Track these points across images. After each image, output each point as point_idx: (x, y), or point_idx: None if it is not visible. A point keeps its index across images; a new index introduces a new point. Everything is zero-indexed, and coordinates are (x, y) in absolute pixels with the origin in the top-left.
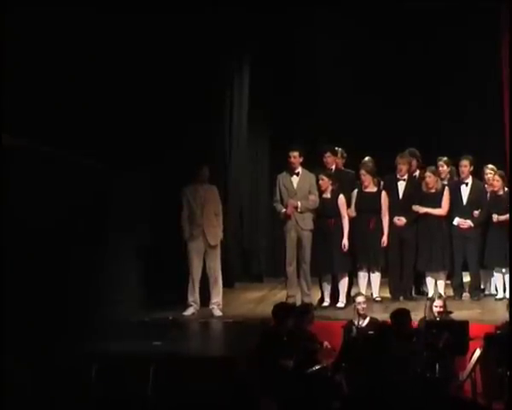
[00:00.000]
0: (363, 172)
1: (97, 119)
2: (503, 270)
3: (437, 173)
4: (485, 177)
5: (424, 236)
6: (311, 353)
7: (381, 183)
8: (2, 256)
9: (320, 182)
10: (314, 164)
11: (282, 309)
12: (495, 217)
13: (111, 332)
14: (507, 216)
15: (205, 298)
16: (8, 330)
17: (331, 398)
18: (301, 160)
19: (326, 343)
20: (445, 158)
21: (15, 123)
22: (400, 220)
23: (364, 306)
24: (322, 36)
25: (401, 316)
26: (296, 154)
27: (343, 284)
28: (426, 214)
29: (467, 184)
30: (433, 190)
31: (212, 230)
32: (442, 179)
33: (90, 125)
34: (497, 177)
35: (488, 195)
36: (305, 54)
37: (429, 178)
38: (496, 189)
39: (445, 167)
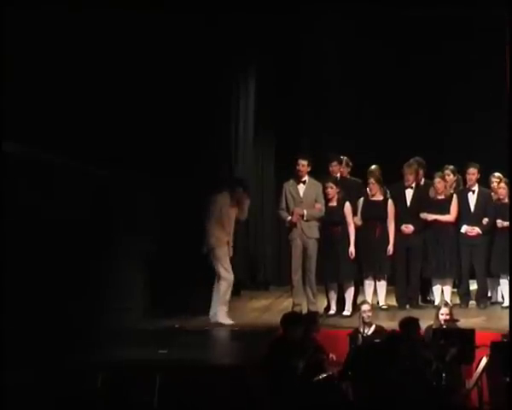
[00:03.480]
0: (372, 180)
1: (98, 124)
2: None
3: (444, 181)
4: (492, 185)
5: (431, 243)
6: (318, 361)
7: (387, 191)
8: (6, 263)
9: (328, 190)
10: (319, 172)
11: (290, 318)
12: (499, 223)
13: (117, 340)
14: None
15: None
16: (13, 338)
17: (337, 406)
18: (309, 169)
19: (331, 356)
20: (452, 166)
21: (16, 130)
22: (408, 228)
23: (370, 314)
24: (329, 44)
25: (410, 324)
26: (305, 162)
27: (349, 292)
28: (434, 222)
29: (473, 192)
30: (441, 196)
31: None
32: (450, 188)
33: (90, 130)
34: (502, 184)
35: (494, 202)
36: (311, 63)
37: (439, 183)
38: (501, 196)
39: (452, 176)
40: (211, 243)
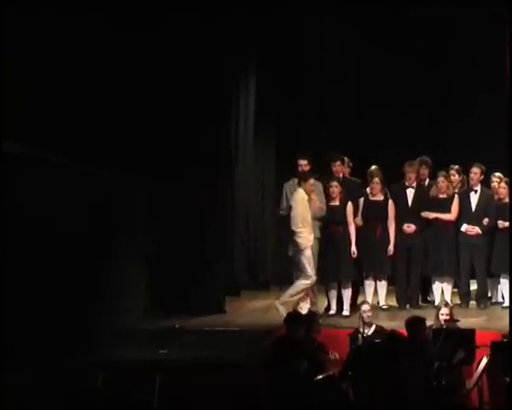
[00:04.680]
0: (376, 180)
1: (98, 124)
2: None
3: (448, 180)
4: (492, 185)
5: (432, 242)
6: (319, 361)
7: (387, 191)
8: (5, 263)
9: (334, 189)
10: (319, 172)
11: (292, 317)
12: (500, 223)
13: (117, 340)
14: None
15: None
16: (13, 338)
17: (338, 406)
18: (309, 167)
19: (332, 353)
20: (457, 166)
21: (16, 129)
22: (410, 227)
23: (370, 314)
24: (329, 44)
25: (416, 324)
26: (305, 162)
27: (347, 292)
28: (434, 220)
29: (476, 192)
30: (443, 196)
31: None
32: (453, 188)
33: (90, 130)
34: (502, 184)
35: (495, 203)
36: (312, 63)
37: (443, 182)
38: (502, 196)
39: (457, 176)
40: (301, 245)
